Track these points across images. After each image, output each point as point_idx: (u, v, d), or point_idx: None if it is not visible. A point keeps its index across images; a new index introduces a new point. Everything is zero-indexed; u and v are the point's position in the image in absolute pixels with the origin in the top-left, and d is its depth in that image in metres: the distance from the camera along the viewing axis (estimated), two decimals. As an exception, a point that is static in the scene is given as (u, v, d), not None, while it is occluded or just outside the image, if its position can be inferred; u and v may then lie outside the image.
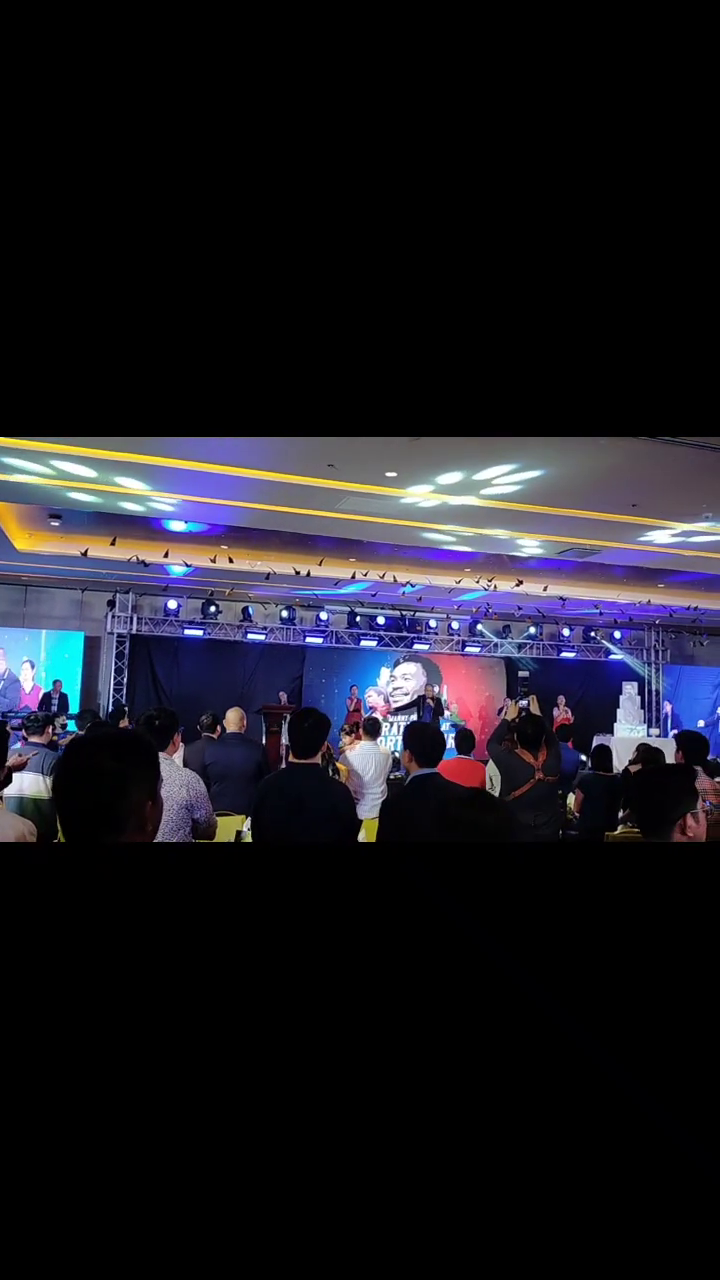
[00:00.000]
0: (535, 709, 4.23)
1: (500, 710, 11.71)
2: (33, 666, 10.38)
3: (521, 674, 11.73)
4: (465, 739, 4.97)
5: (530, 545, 7.21)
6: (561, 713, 11.08)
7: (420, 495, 5.62)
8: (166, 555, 8.33)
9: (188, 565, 8.72)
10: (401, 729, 11.32)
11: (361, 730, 5.26)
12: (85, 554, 8.16)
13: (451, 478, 5.00)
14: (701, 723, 12.32)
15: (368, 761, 4.88)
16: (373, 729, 5.28)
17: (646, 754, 5.89)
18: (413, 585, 9.59)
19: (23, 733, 4.40)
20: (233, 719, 4.48)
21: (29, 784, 3.89)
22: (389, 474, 5.21)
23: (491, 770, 5.05)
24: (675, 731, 10.29)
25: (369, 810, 4.53)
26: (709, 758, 4.47)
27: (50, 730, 4.34)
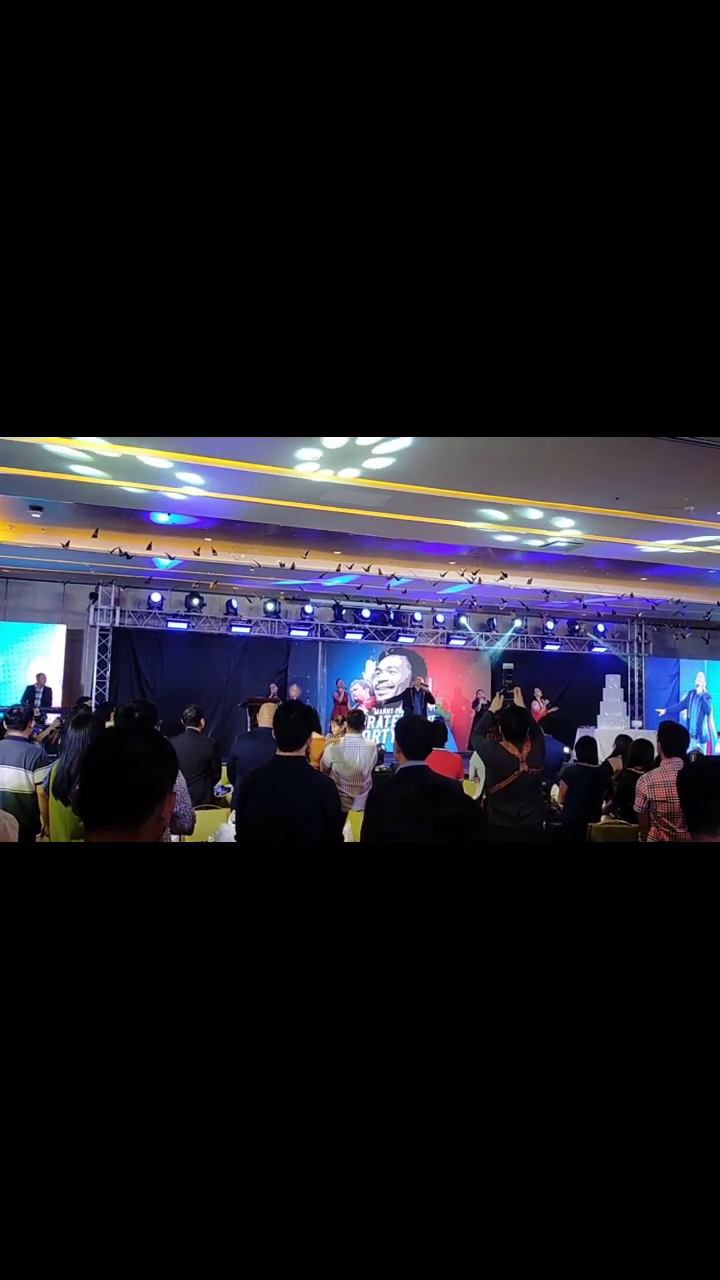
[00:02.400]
0: (520, 701, 4.23)
1: (475, 702, 11.82)
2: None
3: (506, 666, 11.82)
4: (438, 731, 4.98)
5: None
6: (539, 705, 11.13)
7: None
8: (150, 548, 8.26)
9: (172, 558, 8.66)
10: (388, 722, 11.39)
11: (346, 723, 5.25)
12: (67, 545, 8.07)
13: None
14: (662, 710, 12.51)
15: (353, 754, 4.87)
16: (357, 722, 5.27)
17: (624, 746, 5.96)
18: (399, 579, 9.59)
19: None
20: (267, 715, 4.40)
21: (10, 778, 3.85)
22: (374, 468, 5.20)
23: (476, 763, 5.07)
24: (640, 723, 10.40)
25: (358, 804, 4.53)
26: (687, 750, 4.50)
27: (32, 724, 4.29)
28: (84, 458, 5.21)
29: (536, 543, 7.40)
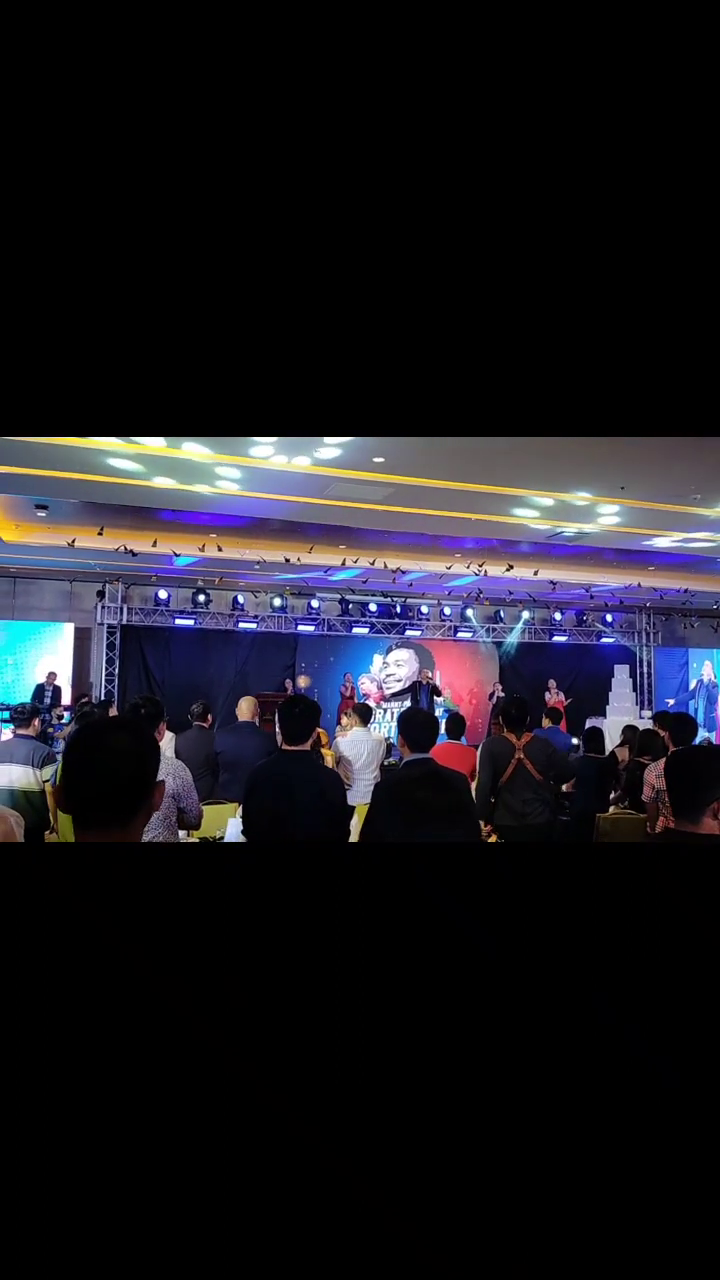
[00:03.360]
0: (556, 694, 4.23)
1: (491, 695, 11.81)
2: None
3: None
4: (455, 723, 4.97)
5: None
6: (554, 696, 11.12)
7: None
8: (155, 544, 8.28)
9: (177, 554, 8.66)
10: (395, 715, 11.39)
11: (352, 716, 5.25)
12: (73, 544, 8.10)
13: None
14: (671, 701, 12.44)
15: (360, 748, 4.88)
16: (364, 715, 5.28)
17: (632, 736, 5.93)
18: (419, 573, 9.53)
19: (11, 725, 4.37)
20: (245, 709, 4.45)
21: (18, 775, 3.87)
22: (376, 459, 5.19)
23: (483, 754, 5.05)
24: (650, 713, 10.35)
25: (362, 796, 4.54)
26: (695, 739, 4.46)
27: (40, 722, 4.32)
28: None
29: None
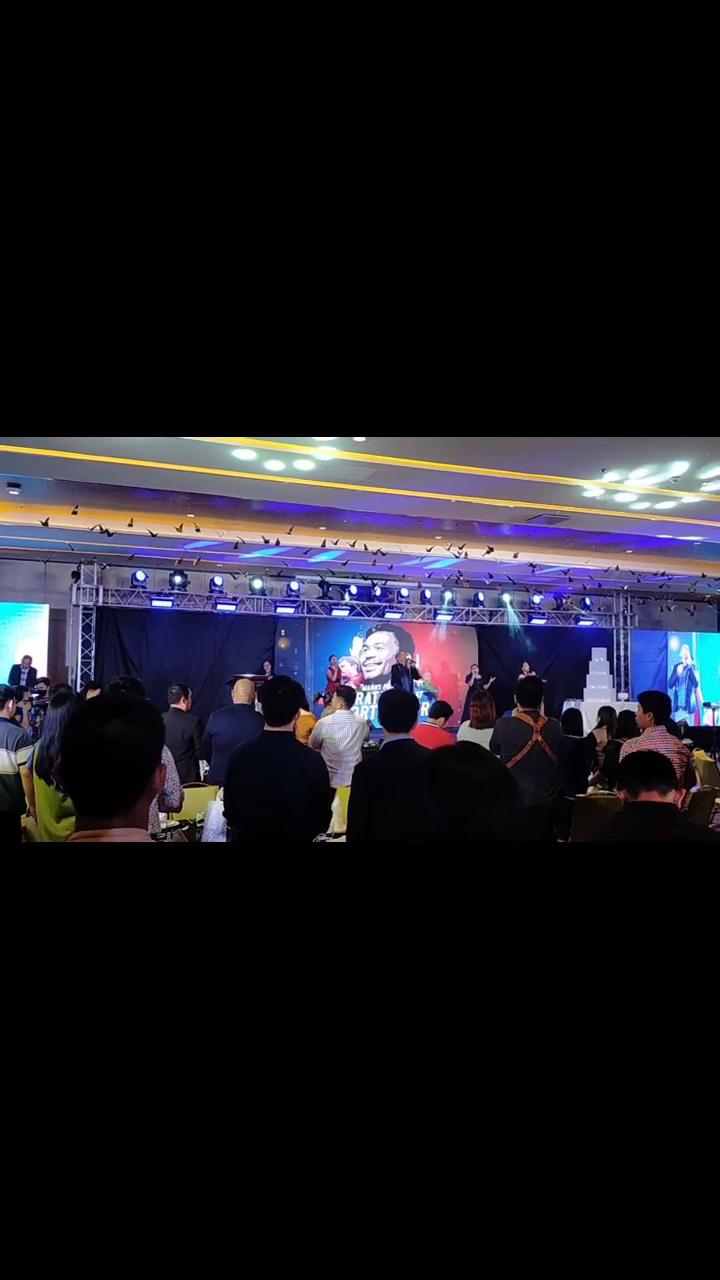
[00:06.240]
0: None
1: (469, 677, 11.90)
2: None
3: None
4: (441, 708, 5.03)
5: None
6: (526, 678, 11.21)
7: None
8: (131, 524, 8.15)
9: (153, 535, 8.54)
10: (375, 698, 11.43)
11: (336, 698, 5.25)
12: (46, 524, 7.95)
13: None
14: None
15: (344, 729, 4.87)
16: (348, 697, 5.27)
17: (608, 718, 6.01)
18: (414, 558, 9.51)
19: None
20: (241, 691, 4.41)
21: (-7, 759, 3.81)
22: (357, 439, 5.14)
23: (465, 734, 5.07)
24: (627, 695, 10.52)
25: (344, 779, 4.53)
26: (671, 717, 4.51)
27: (14, 705, 4.25)
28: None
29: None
